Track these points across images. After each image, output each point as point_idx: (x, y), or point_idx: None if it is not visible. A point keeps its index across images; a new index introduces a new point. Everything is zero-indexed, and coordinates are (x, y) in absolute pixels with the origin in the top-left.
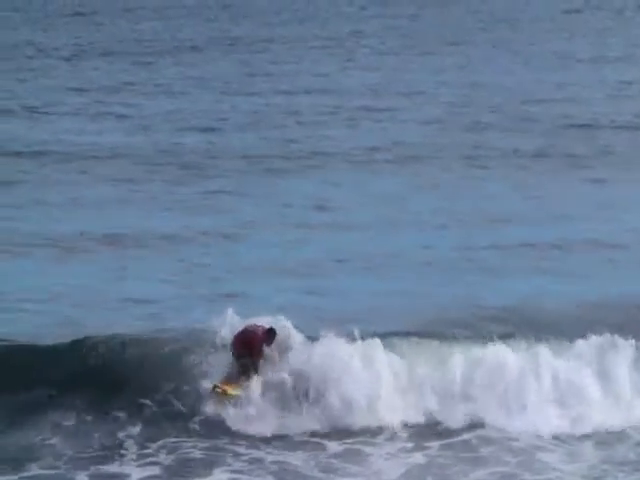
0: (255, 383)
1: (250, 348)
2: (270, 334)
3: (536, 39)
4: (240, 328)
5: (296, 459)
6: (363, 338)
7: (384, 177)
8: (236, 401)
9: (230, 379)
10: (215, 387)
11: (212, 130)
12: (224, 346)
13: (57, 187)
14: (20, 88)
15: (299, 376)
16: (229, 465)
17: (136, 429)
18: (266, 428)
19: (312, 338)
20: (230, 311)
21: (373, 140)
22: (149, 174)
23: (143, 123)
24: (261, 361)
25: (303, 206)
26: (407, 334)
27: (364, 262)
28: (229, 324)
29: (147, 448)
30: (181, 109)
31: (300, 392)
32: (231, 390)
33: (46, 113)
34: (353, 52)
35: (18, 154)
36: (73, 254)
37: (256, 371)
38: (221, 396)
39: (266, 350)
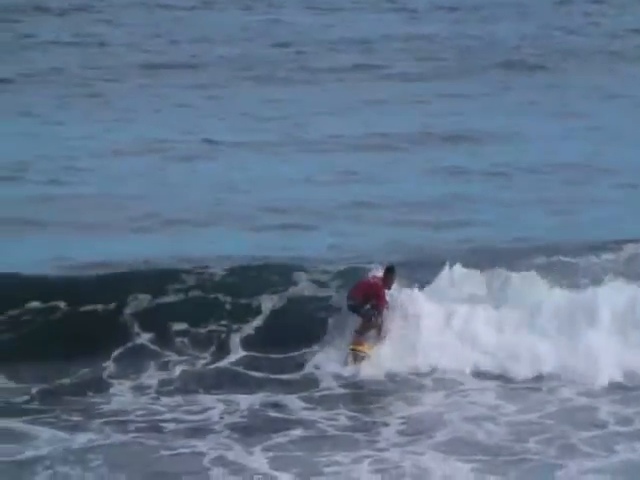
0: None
1: (371, 296)
2: (389, 273)
3: None
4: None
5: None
6: None
7: None
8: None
9: (360, 334)
10: (353, 351)
11: None
12: None
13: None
14: None
15: None
16: None
17: None
18: None
19: None
20: None
21: None
22: None
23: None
24: (385, 307)
25: None
26: None
27: None
28: None
29: None
30: None
31: None
32: (367, 348)
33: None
34: None
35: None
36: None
37: (381, 318)
38: (361, 355)
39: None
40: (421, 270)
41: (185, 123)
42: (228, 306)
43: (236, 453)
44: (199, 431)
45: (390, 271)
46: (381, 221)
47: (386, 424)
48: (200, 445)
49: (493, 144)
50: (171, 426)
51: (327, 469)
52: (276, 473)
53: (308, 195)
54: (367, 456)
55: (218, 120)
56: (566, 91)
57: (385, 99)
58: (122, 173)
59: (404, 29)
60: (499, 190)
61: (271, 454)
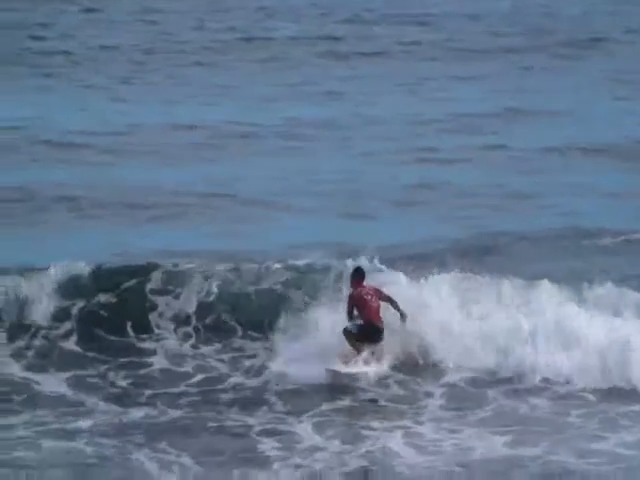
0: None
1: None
2: (356, 275)
3: None
4: None
5: None
6: None
7: None
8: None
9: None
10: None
11: None
12: None
13: None
14: None
15: None
16: None
17: None
18: None
19: None
20: None
21: None
22: None
23: None
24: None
25: None
26: None
27: None
28: None
29: None
30: None
31: None
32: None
33: None
34: None
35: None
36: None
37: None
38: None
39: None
40: (478, 255)
41: (246, 100)
42: None
43: (284, 420)
44: (248, 396)
45: (360, 273)
46: (441, 205)
47: (430, 395)
48: (248, 416)
49: (556, 121)
50: (220, 391)
51: (364, 438)
52: (315, 438)
53: (370, 175)
54: (401, 427)
55: (283, 97)
56: (632, 67)
57: (448, 75)
58: (182, 151)
59: (469, 5)
60: (562, 169)
61: (315, 420)
